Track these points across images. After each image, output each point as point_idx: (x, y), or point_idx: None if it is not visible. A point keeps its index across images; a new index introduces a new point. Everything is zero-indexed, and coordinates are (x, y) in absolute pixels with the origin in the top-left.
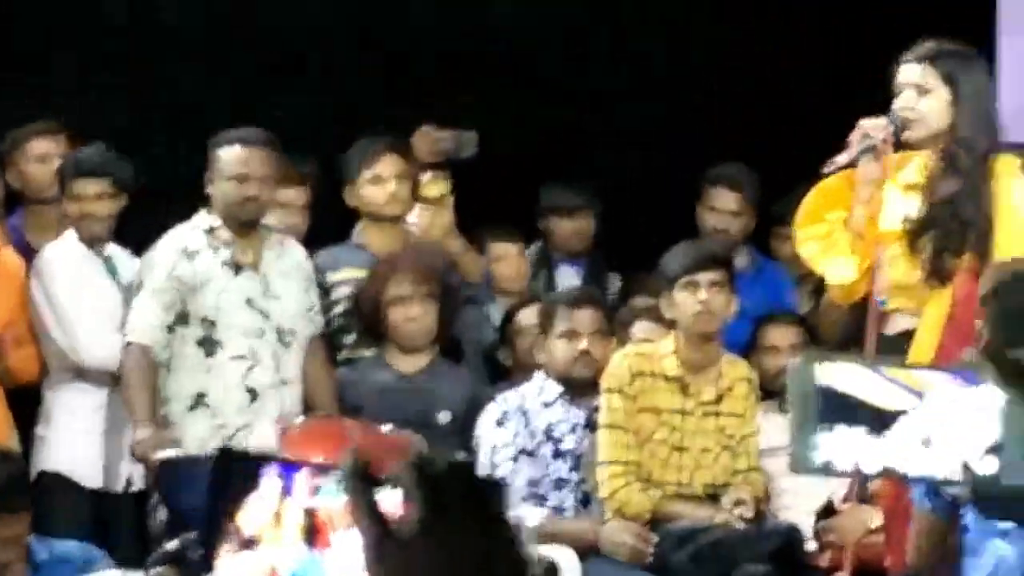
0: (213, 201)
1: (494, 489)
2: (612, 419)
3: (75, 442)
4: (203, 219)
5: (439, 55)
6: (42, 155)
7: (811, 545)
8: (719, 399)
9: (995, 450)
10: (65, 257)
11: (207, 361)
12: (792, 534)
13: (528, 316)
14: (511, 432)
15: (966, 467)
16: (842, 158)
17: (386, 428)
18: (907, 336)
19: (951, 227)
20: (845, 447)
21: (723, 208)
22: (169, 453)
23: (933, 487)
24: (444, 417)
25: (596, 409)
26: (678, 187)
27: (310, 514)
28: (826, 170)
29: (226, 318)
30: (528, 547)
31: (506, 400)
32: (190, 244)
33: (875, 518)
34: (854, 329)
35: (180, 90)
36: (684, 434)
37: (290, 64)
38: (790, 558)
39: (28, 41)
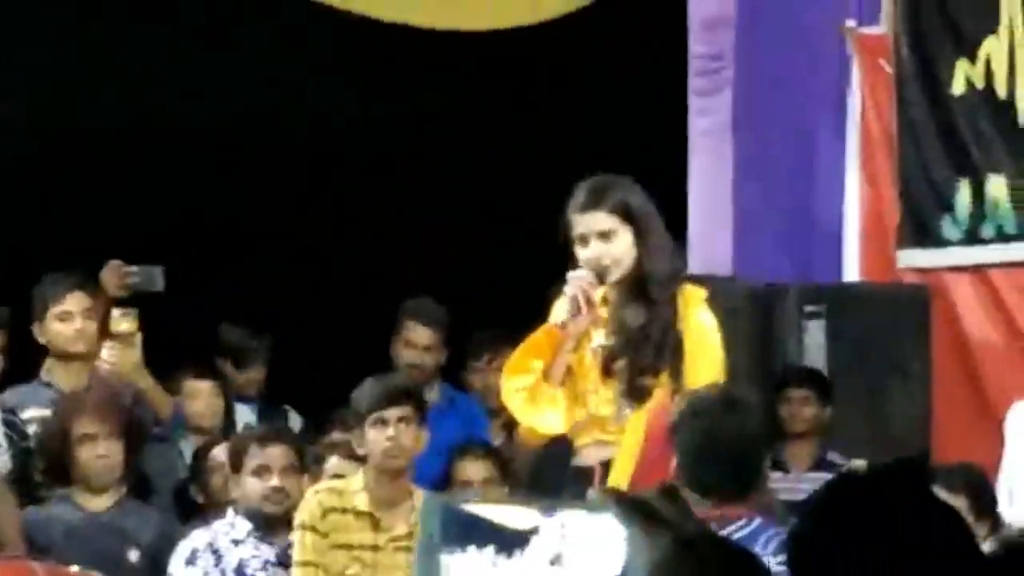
0: None
1: None
2: (304, 556)
3: None
4: None
5: None
6: None
7: None
8: (410, 534)
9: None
10: None
11: None
12: None
13: (220, 453)
14: (201, 571)
15: None
16: (566, 315)
17: (73, 569)
18: (604, 466)
19: (644, 351)
20: (474, 569)
21: (417, 342)
22: None
23: None
24: (134, 556)
25: (289, 546)
26: (369, 320)
27: None
28: (557, 326)
29: None
30: None
31: (197, 538)
32: None
33: None
34: (547, 462)
35: None
36: (376, 569)
37: None
38: None
39: None
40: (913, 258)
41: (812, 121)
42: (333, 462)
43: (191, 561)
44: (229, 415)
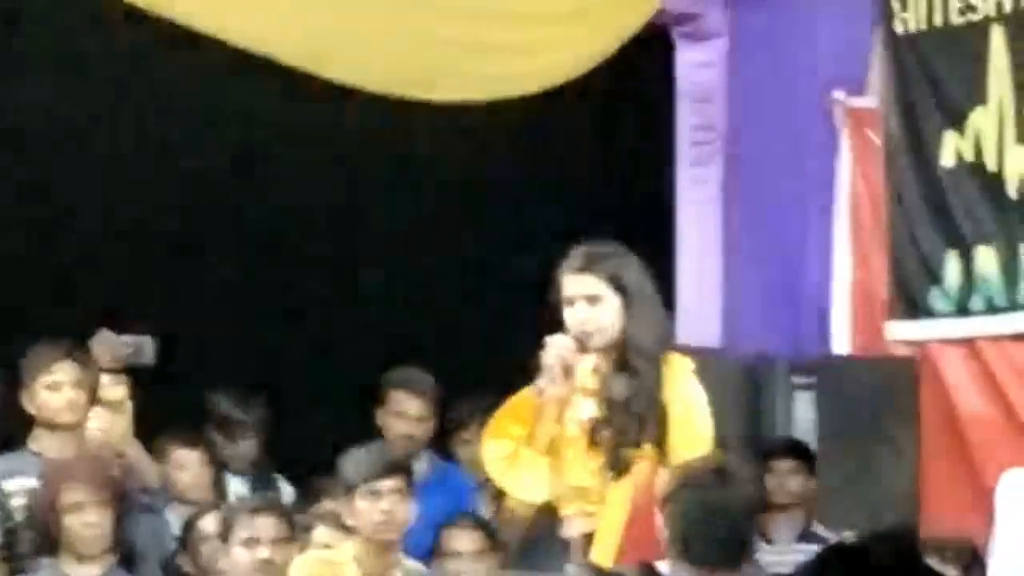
0: None
1: None
2: None
3: None
4: None
5: None
6: None
7: None
8: None
9: None
10: None
11: None
12: None
13: (209, 523)
14: None
15: None
16: (547, 382)
17: None
18: (588, 538)
19: (628, 423)
20: None
21: (407, 413)
22: None
23: None
24: None
25: None
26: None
27: None
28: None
29: None
30: None
31: None
32: None
33: None
34: (537, 532)
35: None
36: None
37: None
38: None
39: None
40: (902, 330)
41: (801, 192)
42: (321, 531)
43: None
44: (219, 484)
